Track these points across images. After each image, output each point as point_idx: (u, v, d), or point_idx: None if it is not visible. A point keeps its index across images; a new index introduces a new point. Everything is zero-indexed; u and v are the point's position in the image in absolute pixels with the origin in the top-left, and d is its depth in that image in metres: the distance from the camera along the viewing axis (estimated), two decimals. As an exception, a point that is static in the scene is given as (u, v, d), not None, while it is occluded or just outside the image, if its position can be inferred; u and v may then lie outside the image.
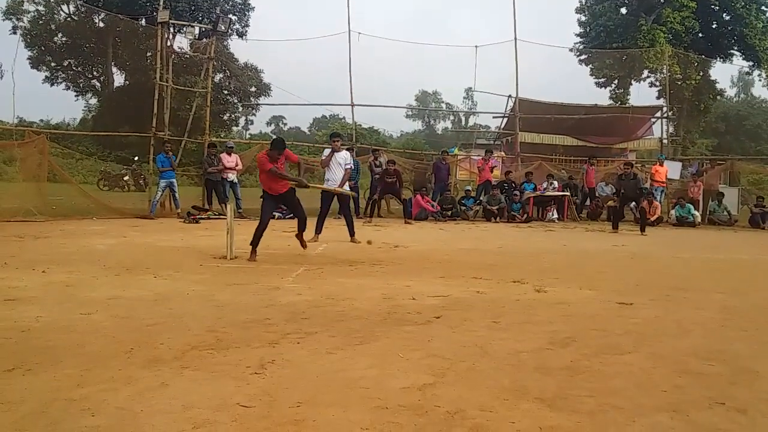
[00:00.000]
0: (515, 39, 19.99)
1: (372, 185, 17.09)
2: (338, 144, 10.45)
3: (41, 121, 37.57)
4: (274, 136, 58.55)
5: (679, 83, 27.28)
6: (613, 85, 32.33)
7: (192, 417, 2.77)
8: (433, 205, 16.77)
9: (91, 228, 11.78)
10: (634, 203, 14.53)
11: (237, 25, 34.20)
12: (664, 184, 18.30)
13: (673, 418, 2.88)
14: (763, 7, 30.07)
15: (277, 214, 15.25)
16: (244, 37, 35.11)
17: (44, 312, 4.72)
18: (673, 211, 17.34)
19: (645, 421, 2.84)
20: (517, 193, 17.17)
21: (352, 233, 10.35)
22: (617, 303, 5.59)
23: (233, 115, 39.00)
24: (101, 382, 3.18)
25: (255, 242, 7.90)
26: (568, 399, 3.10)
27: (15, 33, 34.17)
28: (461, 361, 3.70)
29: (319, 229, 10.23)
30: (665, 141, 22.50)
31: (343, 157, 10.32)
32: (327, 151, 10.44)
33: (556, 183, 18.27)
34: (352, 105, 19.03)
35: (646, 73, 30.57)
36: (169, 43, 18.01)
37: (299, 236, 8.50)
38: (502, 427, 2.74)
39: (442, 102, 75.80)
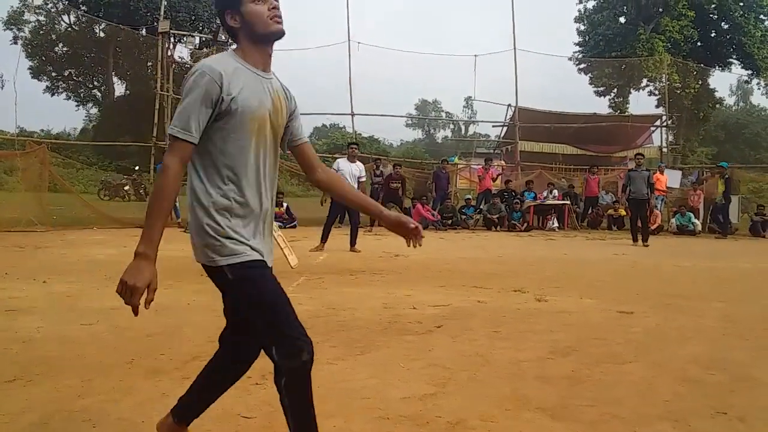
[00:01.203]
0: (514, 48, 20.12)
1: (373, 194, 17.10)
2: (356, 152, 10.36)
3: (42, 131, 37.67)
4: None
5: (678, 92, 27.36)
6: (613, 94, 32.44)
7: (193, 428, 2.76)
8: (433, 214, 16.79)
9: (91, 238, 11.80)
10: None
11: (237, 35, 34.27)
12: (665, 193, 18.31)
13: (675, 427, 2.88)
14: (761, 16, 30.19)
15: (277, 224, 15.29)
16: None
17: (45, 322, 4.72)
18: (673, 220, 17.35)
19: (646, 430, 2.84)
20: (518, 201, 17.18)
21: (353, 243, 10.34)
22: (618, 312, 5.58)
23: (233, 125, 39.02)
24: (102, 393, 3.18)
25: None
26: (569, 408, 3.09)
27: (16, 43, 34.41)
28: (462, 370, 3.70)
29: (324, 238, 10.22)
30: (665, 149, 22.57)
31: (358, 169, 10.24)
32: (340, 162, 10.35)
33: (556, 191, 18.29)
34: (352, 114, 19.13)
35: (645, 81, 30.68)
36: (169, 53, 18.10)
37: None
38: (504, 437, 2.74)
39: (442, 111, 75.94)
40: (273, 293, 2.08)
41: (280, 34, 2.16)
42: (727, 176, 16.54)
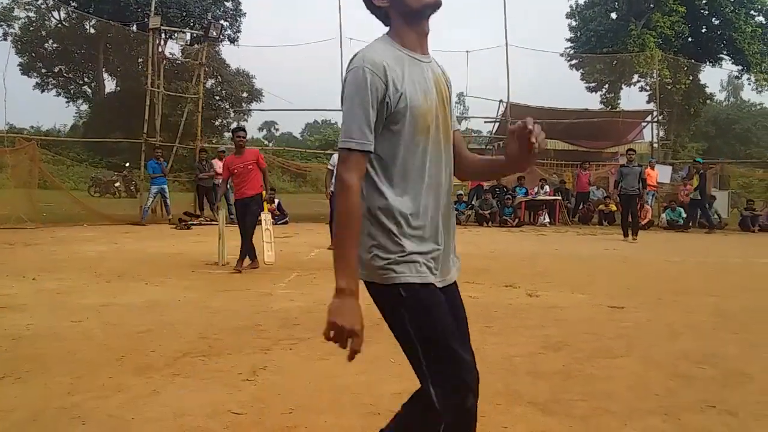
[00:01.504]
0: (506, 44, 20.09)
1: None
2: None
3: (32, 127, 37.46)
4: (267, 142, 57.74)
5: (669, 87, 27.44)
6: (604, 90, 32.51)
7: (184, 424, 2.75)
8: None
9: (81, 235, 11.73)
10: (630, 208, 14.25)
11: (228, 31, 34.16)
12: (655, 188, 18.38)
13: (666, 422, 2.89)
14: (752, 12, 30.32)
15: (270, 219, 15.23)
16: (235, 42, 35.12)
17: (35, 320, 4.69)
18: (663, 215, 17.42)
19: (637, 425, 2.85)
20: (509, 197, 17.22)
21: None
22: (609, 307, 5.60)
23: (225, 121, 38.91)
24: (92, 390, 3.16)
25: (252, 253, 7.84)
26: (560, 403, 3.10)
27: (5, 39, 34.02)
28: (454, 365, 3.69)
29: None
30: (656, 145, 22.63)
31: None
32: (335, 157, 10.32)
33: (547, 187, 18.33)
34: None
35: (636, 77, 30.78)
36: (160, 49, 18.01)
37: (239, 263, 7.61)
38: (495, 432, 2.74)
39: (434, 107, 75.76)
40: (446, 325, 1.84)
41: (437, 5, 1.84)
42: (701, 172, 16.62)
